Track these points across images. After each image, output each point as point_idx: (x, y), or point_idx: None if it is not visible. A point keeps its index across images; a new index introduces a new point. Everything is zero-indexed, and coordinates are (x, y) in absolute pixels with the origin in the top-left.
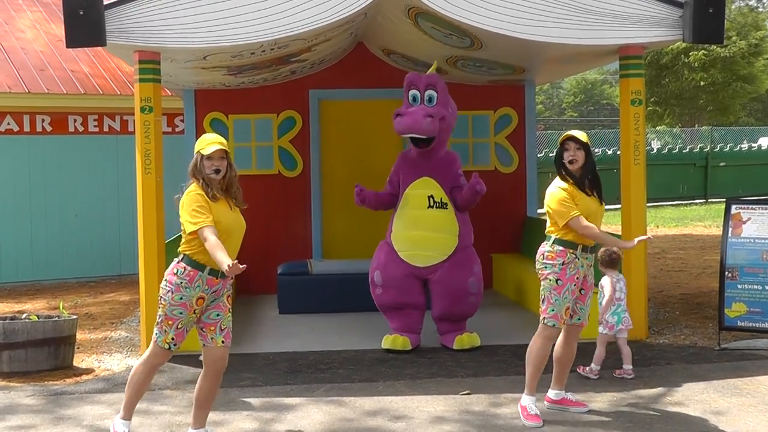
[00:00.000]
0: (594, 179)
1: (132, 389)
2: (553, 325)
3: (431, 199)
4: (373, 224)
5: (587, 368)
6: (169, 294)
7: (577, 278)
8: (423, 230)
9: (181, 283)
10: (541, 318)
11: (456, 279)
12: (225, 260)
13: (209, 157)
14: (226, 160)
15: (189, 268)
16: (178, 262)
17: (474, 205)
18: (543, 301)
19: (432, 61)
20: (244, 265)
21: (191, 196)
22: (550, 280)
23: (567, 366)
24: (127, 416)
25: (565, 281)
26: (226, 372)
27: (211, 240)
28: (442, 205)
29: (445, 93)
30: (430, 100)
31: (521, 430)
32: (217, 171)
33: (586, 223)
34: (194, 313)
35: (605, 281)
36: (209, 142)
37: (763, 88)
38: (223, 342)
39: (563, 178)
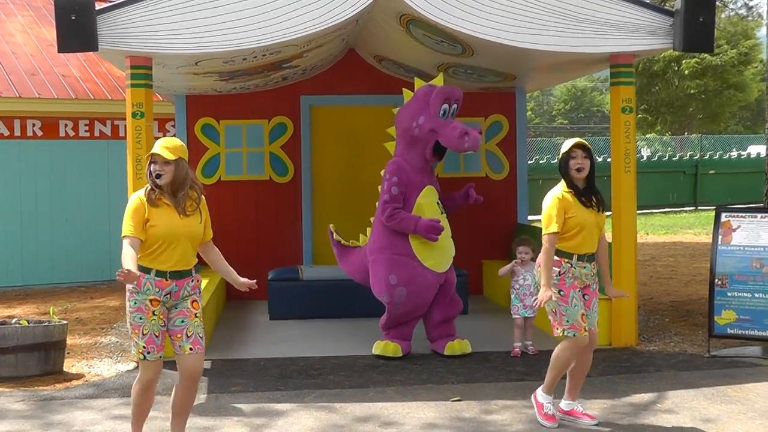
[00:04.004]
0: (594, 188)
1: (132, 408)
2: (574, 335)
3: (439, 205)
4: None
5: (515, 349)
6: (128, 303)
7: (580, 286)
8: (443, 236)
9: (133, 288)
10: (560, 332)
11: (453, 278)
12: (124, 265)
13: (154, 160)
14: (171, 166)
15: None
16: None
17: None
18: (552, 315)
19: (424, 67)
20: (140, 274)
21: (131, 200)
22: (553, 292)
23: (580, 378)
24: None
25: (567, 290)
26: (217, 377)
27: (123, 250)
28: (445, 211)
29: None
30: (453, 114)
31: None
32: (158, 176)
33: (550, 246)
34: (154, 315)
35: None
36: (157, 146)
37: (753, 96)
38: (191, 349)
39: (567, 186)
